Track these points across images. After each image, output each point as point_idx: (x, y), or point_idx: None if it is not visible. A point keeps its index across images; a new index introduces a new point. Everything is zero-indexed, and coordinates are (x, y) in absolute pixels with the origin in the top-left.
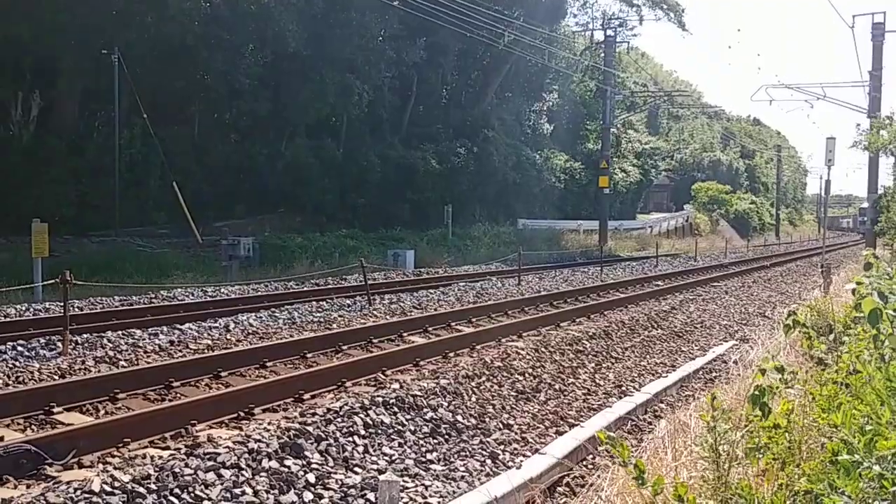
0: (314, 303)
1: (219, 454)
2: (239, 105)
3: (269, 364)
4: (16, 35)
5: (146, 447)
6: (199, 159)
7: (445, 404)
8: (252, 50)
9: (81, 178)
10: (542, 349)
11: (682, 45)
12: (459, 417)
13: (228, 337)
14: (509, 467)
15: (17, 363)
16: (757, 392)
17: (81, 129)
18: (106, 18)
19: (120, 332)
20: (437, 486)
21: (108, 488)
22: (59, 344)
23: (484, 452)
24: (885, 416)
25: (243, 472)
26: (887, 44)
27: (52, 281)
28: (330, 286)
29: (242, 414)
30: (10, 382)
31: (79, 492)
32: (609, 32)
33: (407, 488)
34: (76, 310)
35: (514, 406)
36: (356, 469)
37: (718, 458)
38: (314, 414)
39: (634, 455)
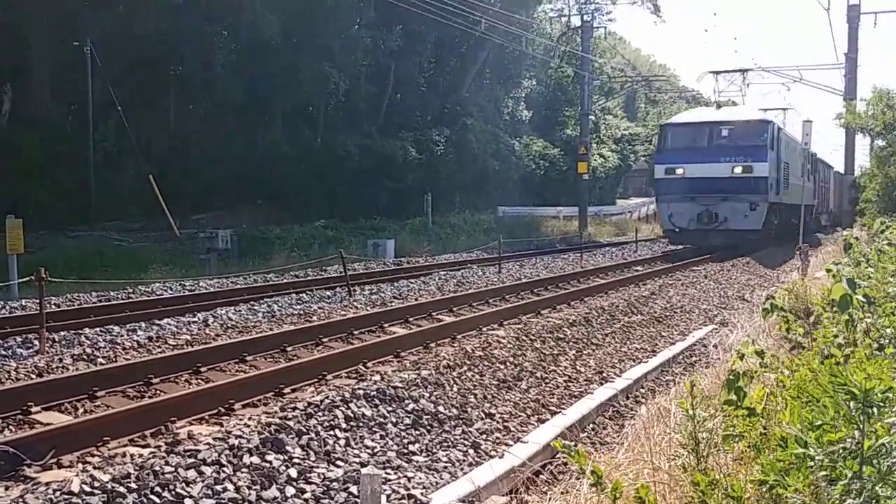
0: (294, 295)
1: (199, 451)
2: (214, 95)
3: (249, 358)
4: None
5: (126, 446)
6: (175, 151)
7: (427, 395)
8: (226, 38)
9: (56, 173)
10: (523, 337)
11: (659, 29)
12: (441, 408)
13: (208, 332)
14: (492, 456)
15: None
16: (732, 377)
17: (54, 122)
18: (77, 8)
19: (98, 329)
20: (420, 478)
21: (87, 488)
22: (36, 342)
23: (466, 442)
24: (829, 413)
25: (224, 468)
26: (862, 26)
27: (28, 278)
28: (310, 278)
29: (223, 409)
30: None
31: (58, 493)
32: (585, 18)
33: (389, 480)
34: (53, 307)
35: (495, 395)
36: (338, 463)
37: (697, 446)
38: (295, 408)
39: (616, 441)
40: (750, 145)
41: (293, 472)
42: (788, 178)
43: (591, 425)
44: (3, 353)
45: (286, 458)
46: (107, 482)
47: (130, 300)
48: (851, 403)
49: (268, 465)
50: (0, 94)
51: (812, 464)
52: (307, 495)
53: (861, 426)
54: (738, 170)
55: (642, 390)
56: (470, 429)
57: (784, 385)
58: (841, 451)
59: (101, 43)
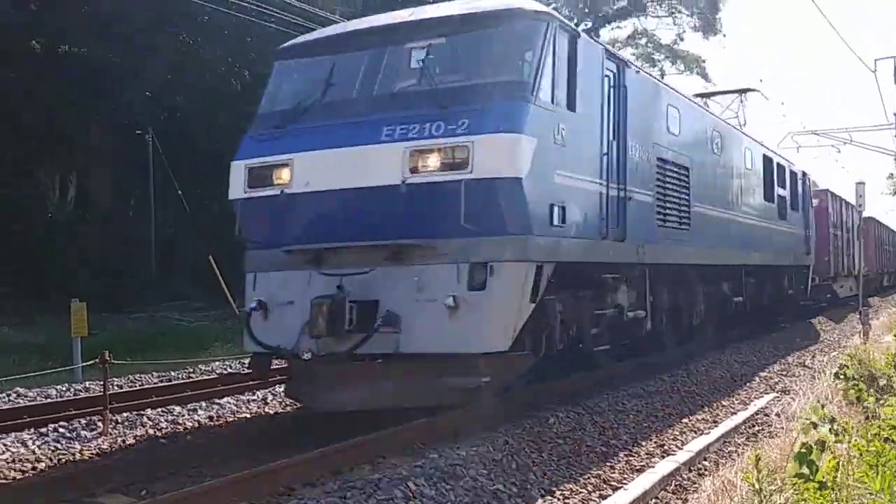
0: None
1: None
2: None
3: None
4: (51, 121)
5: None
6: (232, 231)
7: (486, 472)
8: None
9: (118, 256)
10: (582, 411)
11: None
12: (500, 486)
13: (267, 409)
14: None
15: (59, 445)
16: (804, 450)
17: (116, 207)
18: (140, 99)
19: (159, 410)
20: None
21: None
22: (100, 424)
23: None
24: None
25: None
26: None
27: (92, 361)
28: None
29: (283, 489)
30: (53, 465)
31: None
32: None
33: None
34: (115, 388)
35: (555, 471)
36: None
37: None
38: (353, 487)
39: None
40: (473, 85)
41: None
42: (693, 203)
43: (653, 500)
44: (69, 435)
45: None
46: None
47: (191, 379)
48: None
49: None
50: (66, 182)
51: None
52: None
53: None
54: (432, 161)
55: (705, 462)
56: None
57: (861, 454)
58: None
59: (161, 130)
